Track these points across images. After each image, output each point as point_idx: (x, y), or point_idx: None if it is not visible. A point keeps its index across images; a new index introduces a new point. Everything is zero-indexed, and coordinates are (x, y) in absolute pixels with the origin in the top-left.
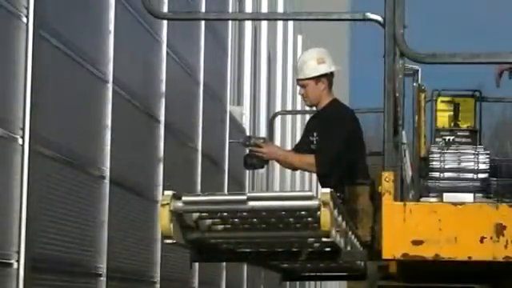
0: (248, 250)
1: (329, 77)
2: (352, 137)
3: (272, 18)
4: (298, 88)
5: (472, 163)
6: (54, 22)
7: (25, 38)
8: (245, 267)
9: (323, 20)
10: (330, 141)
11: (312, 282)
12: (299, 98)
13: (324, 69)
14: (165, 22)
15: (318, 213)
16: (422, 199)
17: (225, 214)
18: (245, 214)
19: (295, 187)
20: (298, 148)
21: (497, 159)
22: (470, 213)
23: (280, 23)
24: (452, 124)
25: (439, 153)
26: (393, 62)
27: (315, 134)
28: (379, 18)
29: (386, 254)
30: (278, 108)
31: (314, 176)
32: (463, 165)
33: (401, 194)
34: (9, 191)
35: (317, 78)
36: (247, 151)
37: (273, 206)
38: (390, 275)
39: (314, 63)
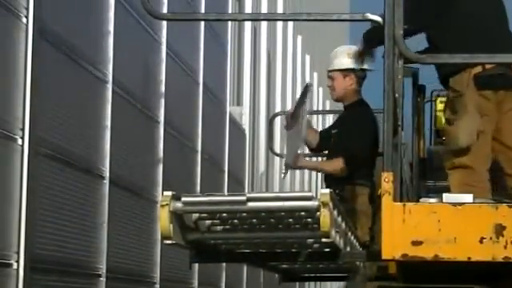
0: (247, 251)
1: (358, 74)
2: (373, 138)
3: (272, 18)
4: (327, 80)
5: None
6: (54, 23)
7: (24, 39)
8: (244, 268)
9: (323, 21)
10: (355, 141)
11: (311, 283)
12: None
13: (352, 64)
14: (164, 23)
15: (318, 213)
16: (422, 200)
17: (224, 214)
18: (244, 214)
19: (295, 188)
20: (321, 134)
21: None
22: (469, 213)
23: (280, 24)
24: None
25: (439, 153)
26: (392, 63)
27: (335, 130)
28: (379, 19)
29: (386, 255)
30: (278, 108)
31: (314, 176)
32: None
33: (400, 195)
34: (8, 191)
35: (345, 73)
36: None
37: (272, 207)
38: (389, 276)
39: (345, 57)
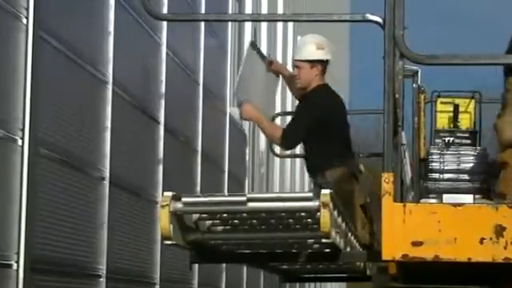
0: (248, 252)
1: (323, 64)
2: (319, 122)
3: (272, 19)
4: (292, 69)
5: (472, 164)
6: (54, 23)
7: (24, 39)
8: (244, 268)
9: (323, 21)
10: (297, 119)
11: (312, 284)
12: None
13: (320, 55)
14: (164, 23)
15: (318, 214)
16: (422, 200)
17: (224, 215)
18: (244, 215)
19: (295, 188)
20: None
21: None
22: (469, 214)
23: (280, 24)
24: (452, 125)
25: (439, 154)
26: (392, 64)
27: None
28: (379, 20)
29: (386, 255)
30: (278, 109)
31: None
32: (463, 166)
33: (401, 195)
34: (8, 192)
35: (312, 63)
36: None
37: (272, 207)
38: (389, 276)
39: (313, 47)
